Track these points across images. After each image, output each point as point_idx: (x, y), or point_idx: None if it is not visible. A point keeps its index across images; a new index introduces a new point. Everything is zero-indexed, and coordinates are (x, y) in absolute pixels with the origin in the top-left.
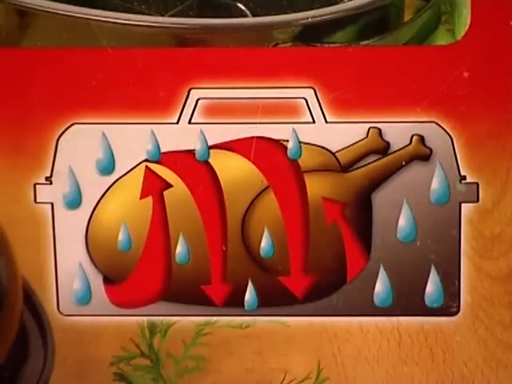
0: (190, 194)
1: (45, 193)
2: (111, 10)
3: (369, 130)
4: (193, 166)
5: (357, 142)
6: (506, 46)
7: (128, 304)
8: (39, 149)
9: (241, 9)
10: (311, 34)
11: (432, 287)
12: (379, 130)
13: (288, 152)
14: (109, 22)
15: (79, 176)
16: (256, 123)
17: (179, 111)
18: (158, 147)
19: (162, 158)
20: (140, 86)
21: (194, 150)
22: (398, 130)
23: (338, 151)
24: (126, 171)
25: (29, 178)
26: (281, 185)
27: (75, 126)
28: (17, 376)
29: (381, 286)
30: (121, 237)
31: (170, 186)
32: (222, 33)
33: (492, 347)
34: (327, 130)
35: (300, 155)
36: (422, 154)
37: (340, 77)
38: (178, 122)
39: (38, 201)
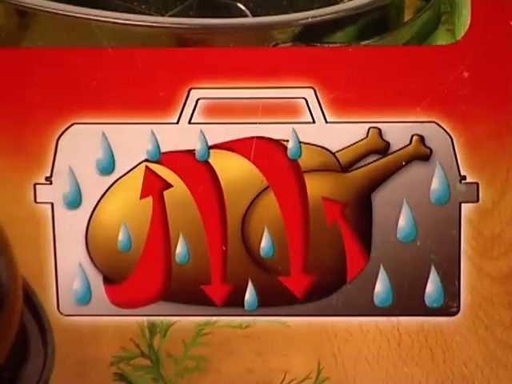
0: (189, 194)
1: (45, 193)
2: (111, 10)
3: (369, 130)
4: (193, 165)
5: (357, 142)
6: (506, 46)
7: (128, 304)
8: (39, 149)
9: (241, 9)
10: (311, 34)
11: (432, 287)
12: (379, 130)
13: (288, 152)
14: (109, 21)
15: (79, 176)
16: (256, 123)
17: (179, 111)
18: (158, 147)
19: (162, 158)
20: (140, 86)
21: (194, 150)
22: (398, 130)
23: (338, 151)
24: (126, 171)
25: (29, 178)
26: (281, 185)
27: (75, 125)
28: (17, 376)
29: (381, 286)
30: (121, 237)
31: (170, 186)
32: (222, 33)
33: (492, 347)
34: (327, 130)
35: (300, 155)
36: (422, 154)
37: (340, 77)
38: (177, 122)
39: (37, 201)
